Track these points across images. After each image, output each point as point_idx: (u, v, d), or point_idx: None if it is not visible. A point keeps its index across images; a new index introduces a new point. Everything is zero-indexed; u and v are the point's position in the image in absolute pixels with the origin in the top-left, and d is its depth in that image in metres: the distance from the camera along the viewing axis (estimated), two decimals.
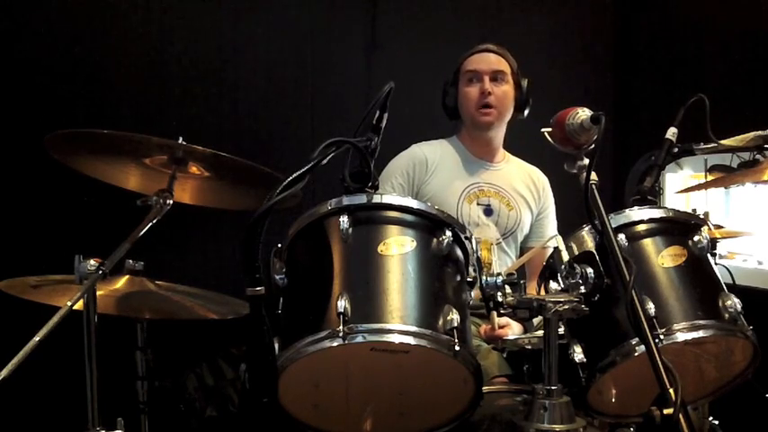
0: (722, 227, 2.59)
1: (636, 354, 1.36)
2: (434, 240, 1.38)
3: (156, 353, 1.98)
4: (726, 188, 3.00)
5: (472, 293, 1.43)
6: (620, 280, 1.29)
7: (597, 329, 1.43)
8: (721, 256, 3.00)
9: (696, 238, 1.49)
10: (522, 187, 2.37)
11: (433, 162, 2.30)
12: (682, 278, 1.44)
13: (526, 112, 2.32)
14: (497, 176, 2.34)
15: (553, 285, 1.45)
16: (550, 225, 2.42)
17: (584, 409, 1.46)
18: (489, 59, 2.28)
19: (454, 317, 1.29)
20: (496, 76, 2.26)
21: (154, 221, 1.65)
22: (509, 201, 2.32)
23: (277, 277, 1.38)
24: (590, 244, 1.50)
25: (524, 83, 2.31)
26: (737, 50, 3.03)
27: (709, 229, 1.59)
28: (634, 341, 1.37)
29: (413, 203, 1.40)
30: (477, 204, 2.28)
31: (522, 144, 2.37)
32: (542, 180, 2.42)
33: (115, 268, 1.55)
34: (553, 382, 1.40)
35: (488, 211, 2.29)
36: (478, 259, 1.45)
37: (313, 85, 3.07)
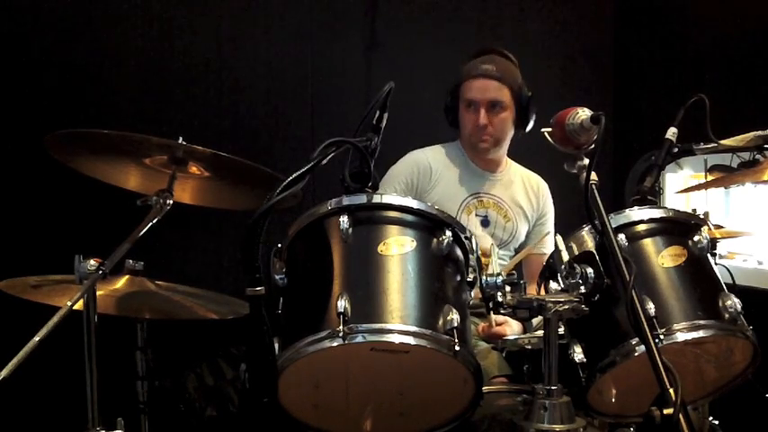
0: (722, 227, 2.59)
1: (636, 354, 1.36)
2: (434, 240, 1.38)
3: (156, 353, 1.98)
4: (726, 188, 2.99)
5: (472, 293, 1.43)
6: (620, 280, 1.29)
7: (597, 329, 1.43)
8: (721, 256, 2.99)
9: (696, 238, 1.50)
10: (522, 196, 2.36)
11: (436, 171, 2.29)
12: (682, 278, 1.45)
13: (528, 128, 2.28)
14: (498, 186, 2.34)
15: (553, 285, 1.45)
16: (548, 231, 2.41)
17: (584, 409, 1.47)
18: (487, 88, 2.20)
19: (454, 317, 1.29)
20: (494, 105, 2.21)
21: (154, 221, 1.65)
22: (507, 212, 2.31)
23: (277, 277, 1.38)
24: (590, 244, 1.50)
25: (526, 99, 2.23)
26: (737, 50, 3.03)
27: (710, 229, 1.59)
28: (634, 341, 1.37)
29: (413, 203, 1.40)
30: (476, 215, 2.28)
31: (522, 145, 2.37)
32: (542, 187, 2.42)
33: (115, 268, 1.55)
34: (553, 382, 1.40)
35: (485, 222, 2.29)
36: (478, 259, 1.45)
37: (313, 85, 3.07)
